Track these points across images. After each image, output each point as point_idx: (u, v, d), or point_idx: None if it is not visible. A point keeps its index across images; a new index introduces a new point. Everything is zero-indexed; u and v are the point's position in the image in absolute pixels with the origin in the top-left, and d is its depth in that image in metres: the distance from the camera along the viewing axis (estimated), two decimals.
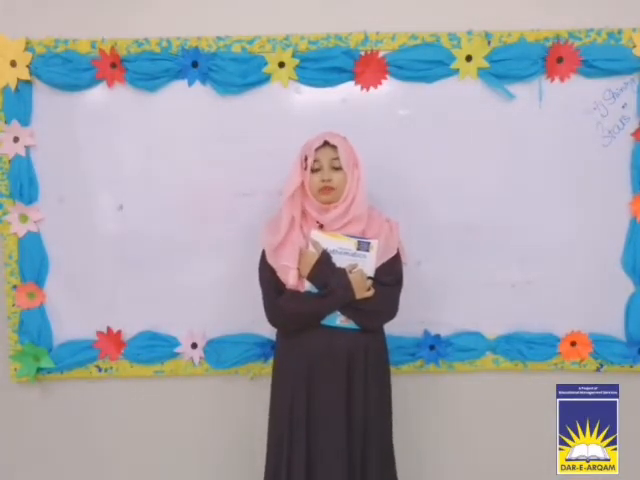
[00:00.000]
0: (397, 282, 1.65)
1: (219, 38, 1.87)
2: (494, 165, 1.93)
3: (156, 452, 2.08)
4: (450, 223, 1.95)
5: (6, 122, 1.88)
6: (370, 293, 1.57)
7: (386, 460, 1.70)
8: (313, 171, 1.58)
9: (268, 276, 1.62)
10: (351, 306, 1.57)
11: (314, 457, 1.61)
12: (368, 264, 1.58)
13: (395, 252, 1.64)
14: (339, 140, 1.60)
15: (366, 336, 1.62)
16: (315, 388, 1.61)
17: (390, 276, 1.62)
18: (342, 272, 1.56)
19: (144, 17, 1.89)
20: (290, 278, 1.57)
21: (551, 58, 1.86)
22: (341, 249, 1.58)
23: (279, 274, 1.60)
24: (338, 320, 1.60)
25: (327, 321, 1.59)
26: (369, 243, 1.58)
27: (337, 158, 1.57)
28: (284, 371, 1.68)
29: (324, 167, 1.58)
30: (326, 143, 1.59)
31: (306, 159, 1.59)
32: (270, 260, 1.61)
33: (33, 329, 1.97)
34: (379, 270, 1.60)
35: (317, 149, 1.58)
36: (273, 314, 1.64)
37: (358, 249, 1.58)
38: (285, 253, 1.59)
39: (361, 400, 1.61)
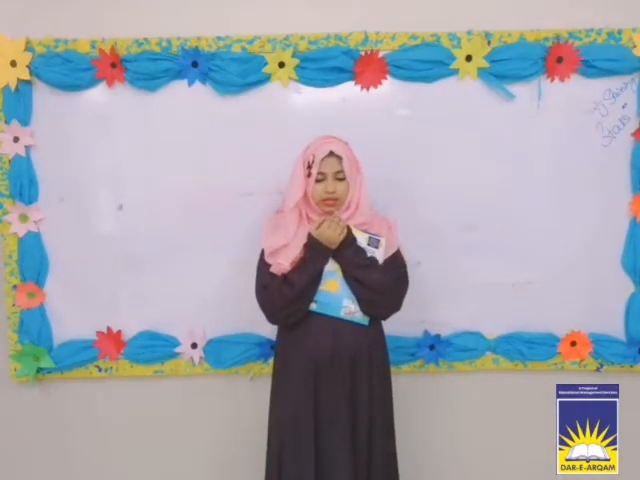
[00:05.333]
0: (401, 276, 1.65)
1: (219, 38, 1.87)
2: (494, 165, 1.93)
3: (156, 452, 2.08)
4: (450, 223, 1.95)
5: (6, 122, 1.88)
6: (343, 235, 1.56)
7: (389, 461, 1.70)
8: (317, 181, 1.58)
9: (267, 275, 1.61)
10: (359, 282, 1.56)
11: (322, 458, 1.60)
12: None
13: (396, 249, 1.65)
14: (343, 149, 1.59)
15: (369, 335, 1.63)
16: (320, 388, 1.60)
17: (394, 270, 1.63)
18: (310, 237, 1.57)
19: (144, 17, 1.89)
20: (275, 268, 1.58)
21: (551, 58, 1.85)
22: None
23: (270, 262, 1.60)
24: (342, 312, 1.60)
25: (332, 312, 1.59)
26: (379, 240, 1.60)
27: (342, 171, 1.57)
28: (287, 371, 1.67)
29: (328, 178, 1.58)
30: (331, 153, 1.57)
31: (309, 167, 1.58)
32: (268, 260, 1.62)
33: (33, 329, 1.97)
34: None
35: (322, 159, 1.57)
36: (269, 302, 1.61)
37: (368, 244, 1.60)
38: (283, 254, 1.60)
39: (366, 400, 1.61)
